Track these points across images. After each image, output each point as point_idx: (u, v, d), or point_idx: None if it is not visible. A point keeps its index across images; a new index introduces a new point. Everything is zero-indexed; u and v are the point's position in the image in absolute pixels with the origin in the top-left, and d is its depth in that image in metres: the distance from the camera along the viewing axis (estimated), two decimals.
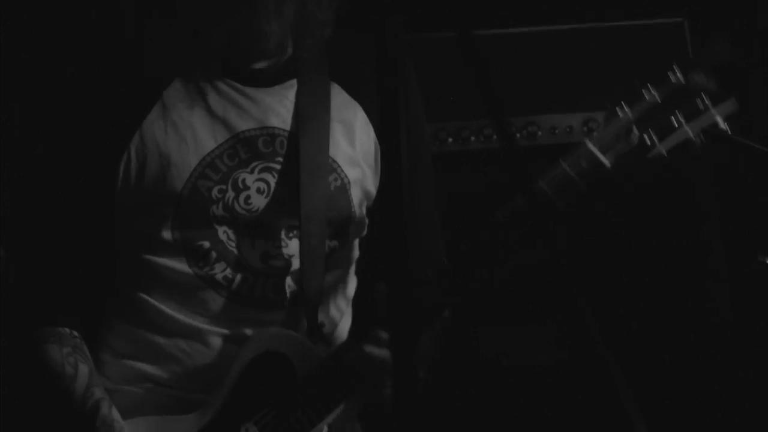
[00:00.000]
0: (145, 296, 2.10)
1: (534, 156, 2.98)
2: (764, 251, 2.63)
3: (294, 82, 2.14)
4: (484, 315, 2.96)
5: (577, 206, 1.96)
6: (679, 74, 1.94)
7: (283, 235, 2.09)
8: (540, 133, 3.03)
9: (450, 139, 3.03)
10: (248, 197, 2.07)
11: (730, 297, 3.05)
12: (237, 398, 2.03)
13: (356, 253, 2.23)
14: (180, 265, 2.07)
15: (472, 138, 3.03)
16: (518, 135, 3.02)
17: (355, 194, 2.14)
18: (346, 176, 2.13)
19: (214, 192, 2.06)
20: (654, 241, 3.05)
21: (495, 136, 2.95)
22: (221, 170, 2.07)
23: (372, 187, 2.17)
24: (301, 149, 2.09)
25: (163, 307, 2.08)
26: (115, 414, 2.04)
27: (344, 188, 2.12)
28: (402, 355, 1.06)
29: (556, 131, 3.04)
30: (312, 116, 2.12)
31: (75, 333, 2.09)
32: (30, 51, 2.90)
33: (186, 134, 2.07)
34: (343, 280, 2.19)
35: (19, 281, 2.14)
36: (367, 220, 2.19)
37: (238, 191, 2.07)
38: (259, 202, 2.07)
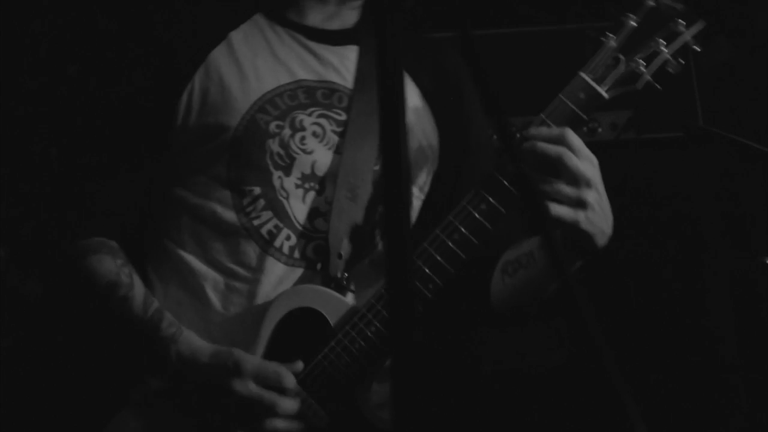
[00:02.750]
0: (182, 253, 2.08)
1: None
2: (764, 251, 2.63)
3: (355, 47, 2.17)
4: (484, 315, 2.96)
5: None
6: None
7: (334, 192, 2.06)
8: None
9: None
10: (303, 138, 2.07)
11: (730, 297, 3.05)
12: (273, 359, 1.99)
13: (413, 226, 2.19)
14: (226, 212, 2.04)
15: None
16: (518, 135, 3.02)
17: (413, 158, 2.13)
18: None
19: (272, 126, 2.06)
20: (654, 242, 3.05)
21: (495, 136, 2.95)
22: (280, 107, 2.08)
23: (426, 158, 2.18)
24: (353, 107, 2.11)
25: (199, 264, 2.06)
26: (178, 323, 2.02)
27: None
28: (401, 352, 1.06)
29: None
30: (369, 79, 2.14)
31: (121, 248, 2.07)
32: None
33: (248, 71, 2.09)
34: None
35: (70, 190, 2.13)
36: (424, 191, 2.19)
37: (294, 130, 2.07)
38: (314, 144, 2.07)
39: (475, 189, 1.95)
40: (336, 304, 2.00)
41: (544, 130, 1.94)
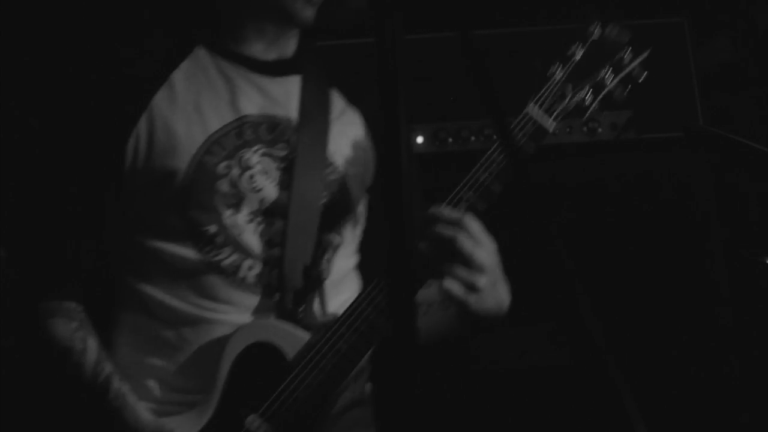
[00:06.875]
0: (148, 288, 2.10)
1: (534, 156, 2.99)
2: (764, 251, 2.63)
3: (297, 77, 2.20)
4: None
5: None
6: (598, 29, 2.10)
7: (285, 225, 2.10)
8: None
9: (450, 139, 3.02)
10: (252, 176, 2.10)
11: (730, 297, 3.05)
12: (232, 394, 2.02)
13: (357, 254, 2.25)
14: (186, 251, 2.07)
15: (472, 138, 3.03)
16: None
17: (353, 188, 2.18)
18: (343, 170, 2.17)
19: (220, 167, 2.08)
20: (653, 242, 3.05)
21: (495, 136, 2.95)
22: (227, 148, 2.10)
23: (365, 187, 2.23)
24: (300, 140, 2.14)
25: (166, 297, 2.08)
26: (126, 388, 2.04)
27: (342, 181, 2.17)
28: (401, 367, 1.06)
29: (556, 131, 3.03)
30: (313, 111, 2.18)
31: (80, 307, 2.09)
32: (39, 35, 2.93)
33: (192, 113, 2.10)
34: (345, 276, 2.20)
35: (24, 255, 2.15)
36: (364, 219, 2.24)
37: (243, 169, 2.10)
38: (263, 182, 2.11)
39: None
40: (292, 338, 2.04)
41: (445, 213, 2.01)
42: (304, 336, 2.05)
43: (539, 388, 2.98)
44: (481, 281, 1.99)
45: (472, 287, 1.99)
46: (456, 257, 1.98)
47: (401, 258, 1.06)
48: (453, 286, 1.98)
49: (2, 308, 2.25)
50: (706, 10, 3.21)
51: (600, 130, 3.04)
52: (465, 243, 1.98)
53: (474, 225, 1.99)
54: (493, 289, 2.03)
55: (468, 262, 1.98)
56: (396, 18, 1.10)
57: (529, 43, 3.08)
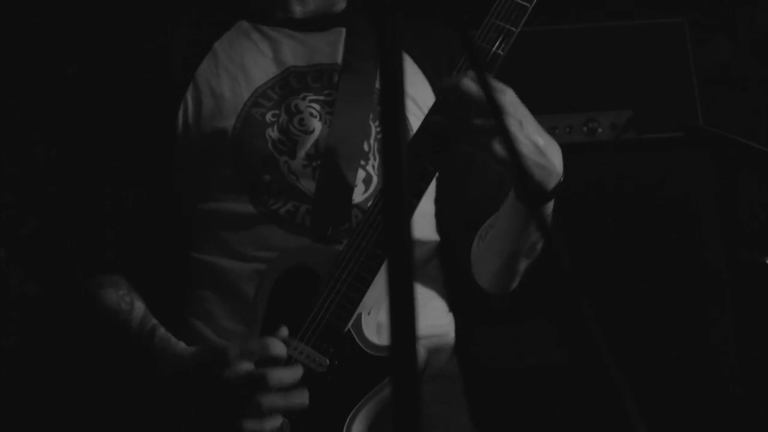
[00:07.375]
0: (210, 257, 2.09)
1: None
2: (764, 251, 2.63)
3: (342, 29, 2.20)
4: (484, 315, 2.97)
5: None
6: None
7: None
8: None
9: None
10: (302, 119, 2.09)
11: (730, 297, 3.05)
12: (273, 323, 1.98)
13: (429, 208, 2.19)
14: (243, 206, 2.06)
15: None
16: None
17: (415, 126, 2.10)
18: None
19: (268, 116, 2.08)
20: (653, 242, 3.05)
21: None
22: (273, 98, 2.10)
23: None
24: (342, 79, 2.12)
25: (227, 262, 2.07)
26: (171, 336, 2.03)
27: None
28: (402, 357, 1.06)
29: (556, 131, 3.04)
30: (357, 52, 2.15)
31: (125, 281, 2.11)
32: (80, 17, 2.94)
33: (237, 73, 2.12)
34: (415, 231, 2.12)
35: (72, 233, 2.18)
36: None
37: (291, 115, 2.09)
38: (314, 123, 2.09)
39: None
40: (321, 253, 2.00)
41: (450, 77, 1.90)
42: (331, 249, 2.00)
43: (539, 388, 2.98)
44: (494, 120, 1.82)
45: (487, 130, 1.84)
46: (468, 110, 1.84)
47: (401, 256, 1.06)
48: (470, 137, 1.85)
49: (2, 308, 2.27)
50: (706, 10, 3.21)
51: (600, 130, 3.04)
52: (466, 83, 1.83)
53: (473, 73, 1.83)
54: (519, 130, 1.86)
55: (478, 106, 1.83)
56: (396, 18, 1.10)
57: (530, 43, 3.07)
